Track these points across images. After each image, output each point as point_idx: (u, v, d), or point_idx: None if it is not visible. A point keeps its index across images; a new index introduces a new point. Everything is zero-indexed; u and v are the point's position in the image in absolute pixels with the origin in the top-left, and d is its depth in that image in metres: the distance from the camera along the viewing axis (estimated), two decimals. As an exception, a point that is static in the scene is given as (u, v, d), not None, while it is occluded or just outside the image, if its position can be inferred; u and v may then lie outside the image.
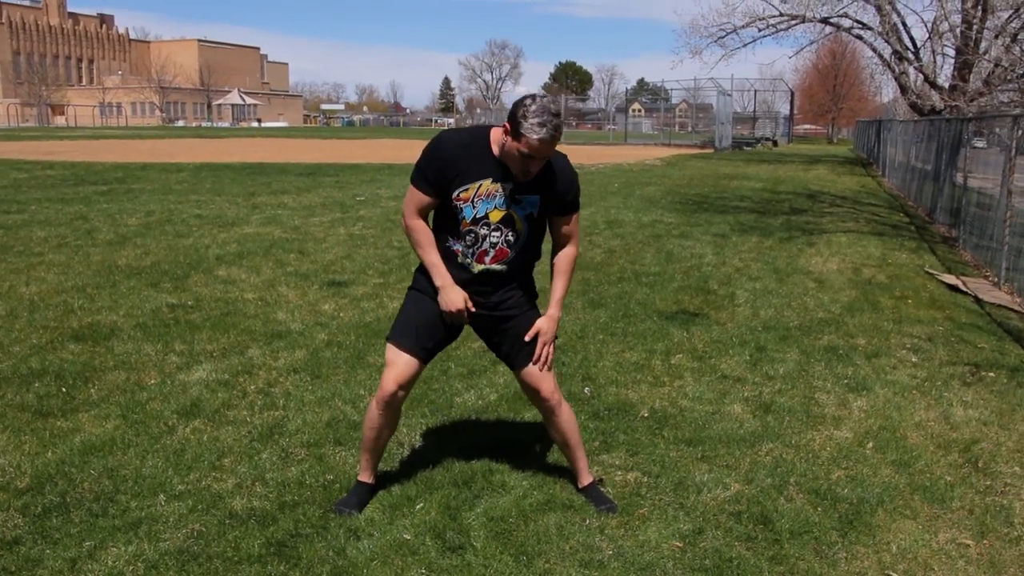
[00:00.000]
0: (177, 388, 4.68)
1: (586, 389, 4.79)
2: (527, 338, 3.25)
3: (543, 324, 3.27)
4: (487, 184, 3.07)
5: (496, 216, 3.10)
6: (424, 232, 3.23)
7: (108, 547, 3.02)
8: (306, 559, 2.96)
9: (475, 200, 3.09)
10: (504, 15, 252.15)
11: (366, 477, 3.42)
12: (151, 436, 4.02)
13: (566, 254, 3.31)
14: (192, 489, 3.48)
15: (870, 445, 4.17)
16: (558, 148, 3.07)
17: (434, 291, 3.21)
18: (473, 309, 3.22)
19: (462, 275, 3.20)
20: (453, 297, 3.16)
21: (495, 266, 3.17)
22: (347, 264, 8.35)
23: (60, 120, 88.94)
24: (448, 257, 3.20)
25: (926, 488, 3.70)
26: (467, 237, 3.14)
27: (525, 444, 4.00)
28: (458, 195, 3.09)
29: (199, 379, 4.83)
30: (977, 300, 7.80)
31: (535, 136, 2.86)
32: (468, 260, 3.17)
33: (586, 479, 3.51)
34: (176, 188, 15.86)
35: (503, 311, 3.27)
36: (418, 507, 3.34)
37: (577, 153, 35.27)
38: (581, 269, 8.39)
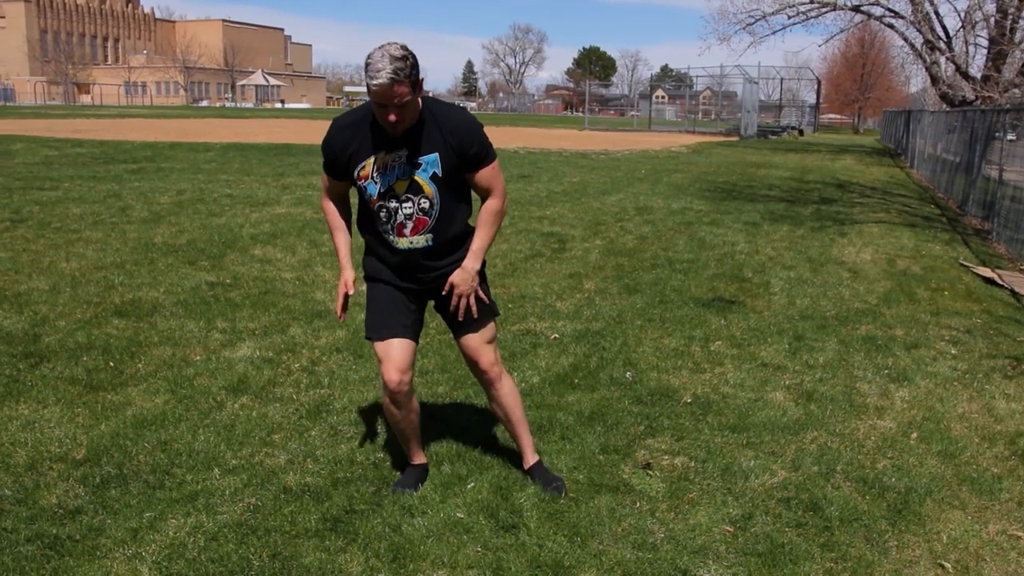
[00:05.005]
0: (223, 365, 4.73)
1: (628, 374, 4.81)
2: (443, 292, 3.23)
3: (456, 276, 3.17)
4: (381, 156, 3.04)
5: (402, 187, 3.06)
6: (334, 215, 3.30)
7: (167, 518, 3.08)
8: (363, 535, 3.00)
9: (374, 175, 3.06)
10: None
11: (417, 460, 3.46)
12: (201, 411, 4.08)
13: (487, 207, 3.20)
14: (245, 464, 3.53)
15: (914, 435, 4.16)
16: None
17: (387, 272, 3.22)
18: (352, 291, 3.25)
19: (392, 257, 3.18)
20: (344, 279, 3.27)
21: (419, 238, 3.12)
22: (381, 246, 8.39)
23: (86, 98, 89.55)
24: (378, 239, 3.20)
25: (973, 479, 3.70)
26: (381, 214, 3.11)
27: (569, 427, 4.02)
28: (358, 174, 3.08)
29: (244, 356, 4.88)
30: (1014, 293, 7.72)
31: (374, 82, 2.81)
32: (391, 236, 3.14)
33: (531, 459, 3.49)
34: (205, 167, 15.94)
35: (442, 282, 3.23)
36: (469, 486, 3.38)
37: (601, 139, 35.21)
38: (614, 255, 8.39)
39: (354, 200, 3.27)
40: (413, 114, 2.96)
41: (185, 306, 5.92)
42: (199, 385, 4.42)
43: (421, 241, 3.13)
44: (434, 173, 3.05)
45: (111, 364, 4.71)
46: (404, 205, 3.08)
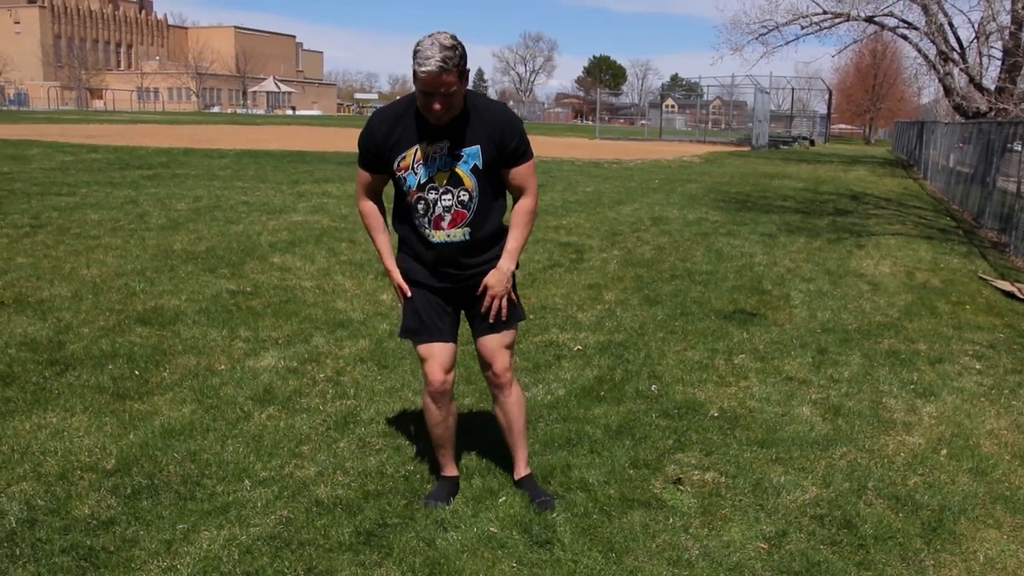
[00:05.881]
0: (248, 374, 4.73)
1: (653, 387, 4.79)
2: (477, 293, 3.22)
3: (491, 277, 3.18)
4: (423, 147, 3.04)
5: (442, 178, 3.05)
6: (373, 216, 3.28)
7: (200, 530, 3.07)
8: (398, 549, 2.98)
9: (415, 166, 3.05)
10: (539, 8, 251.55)
11: (449, 471, 3.45)
12: (228, 422, 4.07)
13: (521, 207, 3.21)
14: (275, 476, 3.52)
15: (944, 452, 4.13)
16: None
17: (422, 273, 3.20)
18: (409, 293, 3.22)
19: (427, 253, 3.16)
20: (397, 284, 3.26)
21: (456, 231, 3.11)
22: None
23: (98, 104, 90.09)
24: (414, 233, 3.18)
25: (1007, 498, 3.66)
26: (419, 206, 3.10)
27: (598, 440, 4.00)
28: (398, 165, 3.08)
29: (268, 366, 4.88)
30: (1035, 307, 7.68)
31: (423, 69, 2.81)
32: (427, 230, 3.12)
33: (523, 471, 3.47)
34: (220, 174, 16.00)
35: (476, 281, 3.21)
36: (501, 500, 3.36)
37: (613, 148, 35.20)
38: (632, 265, 8.38)
39: (388, 204, 3.27)
40: (458, 105, 2.97)
41: (207, 314, 5.93)
42: (225, 395, 4.41)
43: (458, 235, 3.12)
44: (475, 165, 3.06)
45: (136, 372, 4.71)
46: (443, 197, 3.08)
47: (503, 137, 3.07)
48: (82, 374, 4.65)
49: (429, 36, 2.87)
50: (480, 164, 3.06)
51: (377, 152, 3.11)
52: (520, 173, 3.17)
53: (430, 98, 2.88)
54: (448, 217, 3.09)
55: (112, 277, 6.95)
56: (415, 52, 2.84)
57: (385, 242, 3.29)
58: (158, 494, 3.32)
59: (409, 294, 3.24)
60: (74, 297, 6.26)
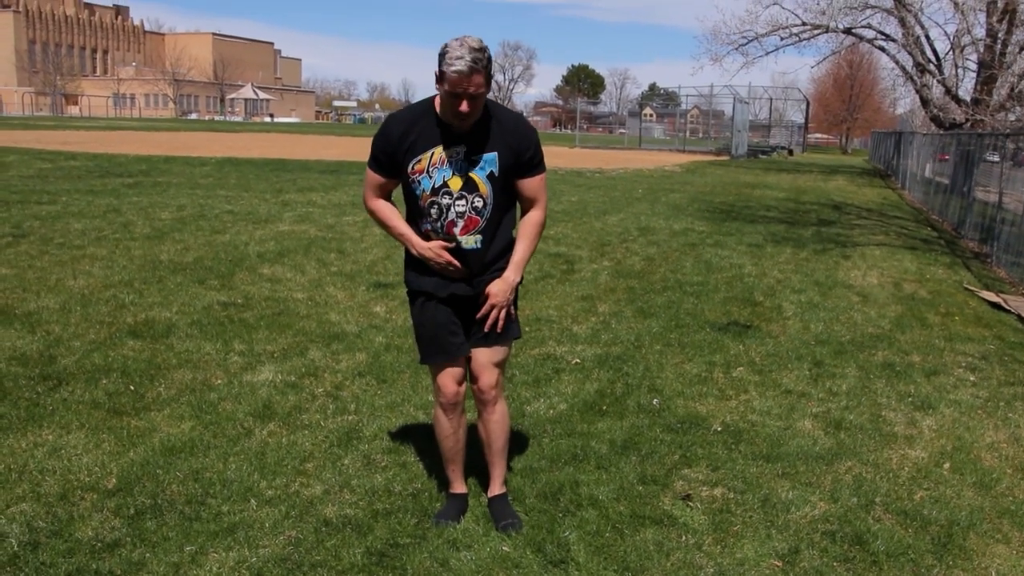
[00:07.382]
0: (246, 389, 4.66)
1: (655, 401, 4.77)
2: (480, 302, 3.16)
3: (494, 285, 3.13)
4: (439, 151, 3.01)
5: (456, 184, 3.02)
6: (386, 207, 3.20)
7: (208, 552, 3.01)
8: (412, 570, 2.94)
9: (430, 170, 3.02)
10: (518, 17, 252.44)
11: (458, 488, 3.41)
12: (229, 438, 4.00)
13: (530, 218, 3.19)
14: (281, 495, 3.46)
15: (947, 466, 4.14)
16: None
17: (430, 281, 3.14)
18: (452, 260, 3.09)
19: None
20: (430, 254, 3.10)
21: (468, 239, 3.06)
22: (389, 266, 8.32)
23: (73, 110, 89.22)
24: (424, 239, 3.12)
25: (1012, 512, 3.67)
26: (432, 211, 3.05)
27: (604, 456, 3.97)
28: (412, 168, 3.04)
29: (266, 380, 4.82)
30: (1021, 319, 7.75)
31: (452, 69, 2.80)
32: (439, 236, 3.07)
33: (497, 489, 3.42)
34: (202, 183, 15.86)
35: (481, 290, 3.16)
36: (512, 519, 3.32)
37: (593, 157, 35.29)
38: (624, 277, 8.37)
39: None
40: (480, 109, 2.95)
41: (200, 327, 5.85)
42: (224, 411, 4.35)
43: (470, 242, 3.09)
44: (491, 172, 3.04)
45: (131, 388, 4.63)
46: (457, 202, 3.04)
47: (520, 144, 3.07)
48: (76, 389, 4.56)
49: (456, 39, 2.86)
50: (496, 171, 3.04)
51: (392, 154, 3.07)
52: (532, 184, 3.15)
53: (458, 100, 2.86)
54: (461, 223, 3.06)
55: (100, 288, 6.84)
56: (443, 54, 2.83)
57: (404, 226, 3.16)
58: (162, 514, 3.26)
59: (446, 244, 3.09)
60: (62, 309, 6.16)
